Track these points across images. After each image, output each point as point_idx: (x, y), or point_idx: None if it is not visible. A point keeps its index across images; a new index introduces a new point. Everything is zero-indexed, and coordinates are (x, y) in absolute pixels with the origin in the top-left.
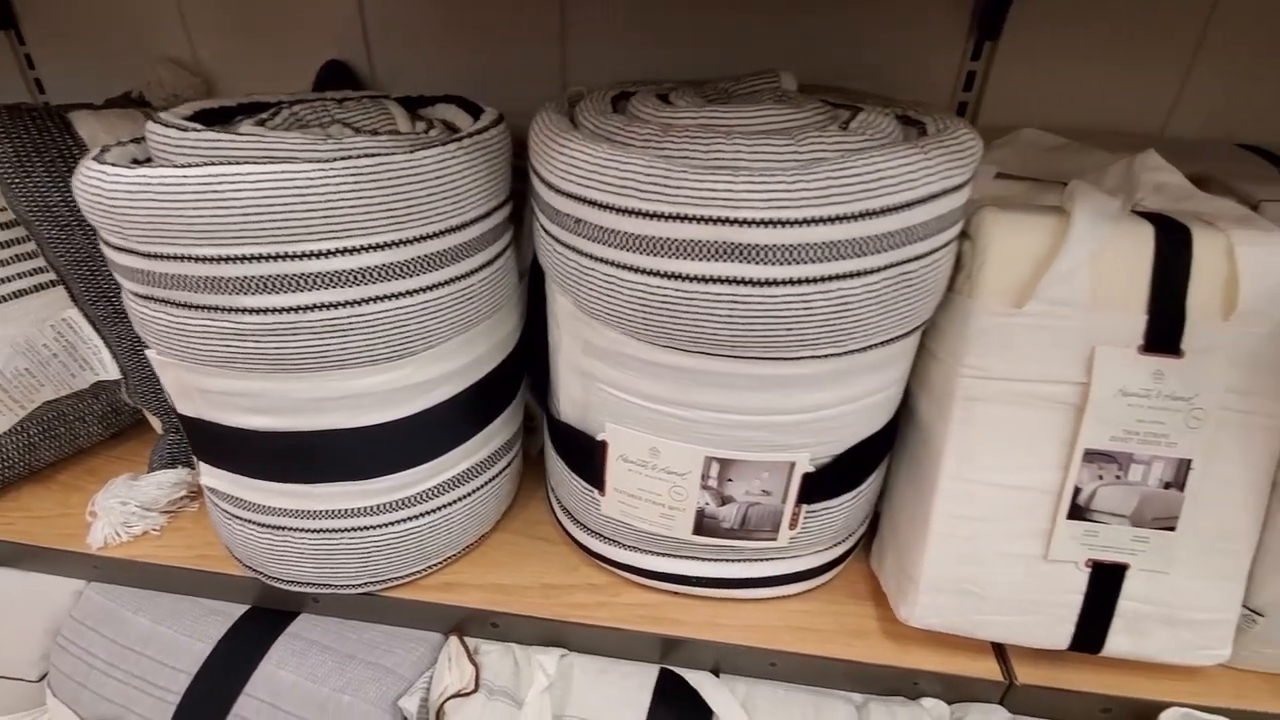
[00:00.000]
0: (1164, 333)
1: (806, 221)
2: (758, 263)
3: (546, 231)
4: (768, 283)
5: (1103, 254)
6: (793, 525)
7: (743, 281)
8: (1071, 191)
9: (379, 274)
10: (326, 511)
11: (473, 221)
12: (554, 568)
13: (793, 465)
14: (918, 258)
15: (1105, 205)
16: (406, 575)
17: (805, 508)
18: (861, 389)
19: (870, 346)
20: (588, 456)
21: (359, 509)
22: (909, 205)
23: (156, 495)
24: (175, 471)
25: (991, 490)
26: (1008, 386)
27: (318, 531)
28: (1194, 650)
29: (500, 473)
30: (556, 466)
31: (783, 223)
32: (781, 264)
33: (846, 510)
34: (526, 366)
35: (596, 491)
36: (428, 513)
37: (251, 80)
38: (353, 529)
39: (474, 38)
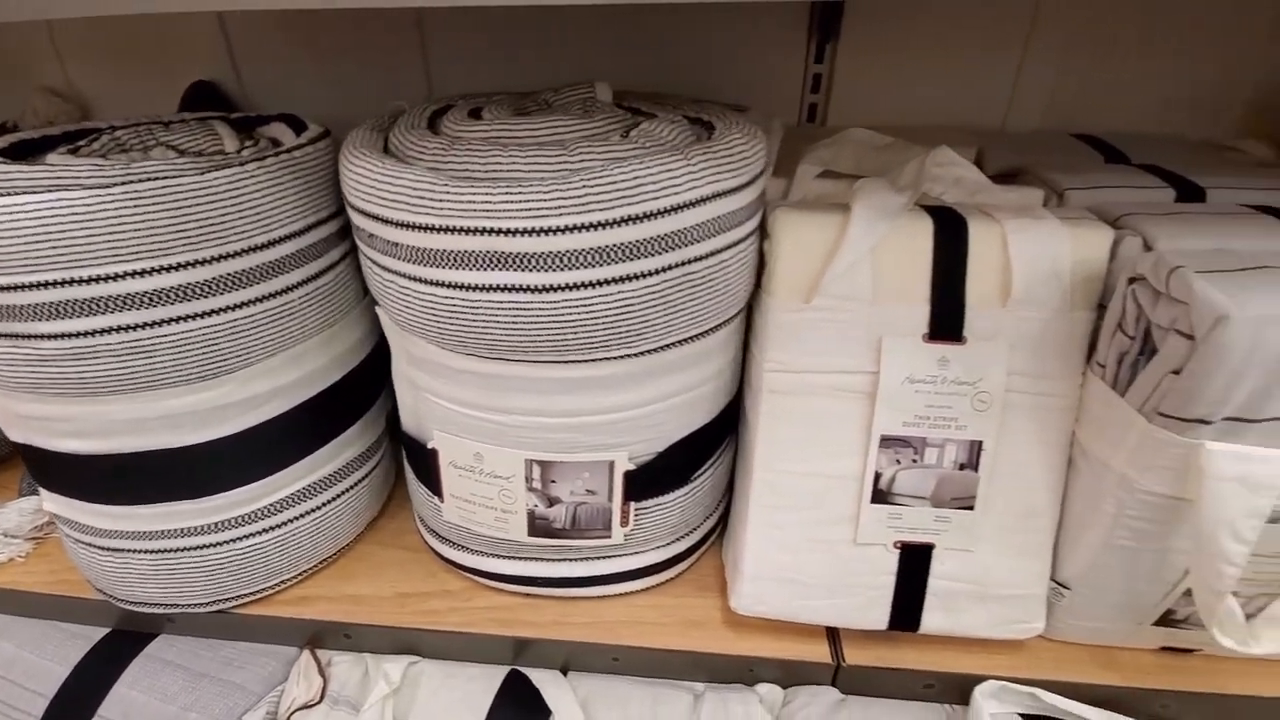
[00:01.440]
0: (946, 321)
1: (568, 229)
2: (530, 270)
3: (358, 246)
4: (544, 289)
5: (884, 248)
6: (624, 522)
7: (520, 289)
8: (856, 189)
9: (178, 294)
10: (162, 532)
11: (285, 239)
12: (412, 576)
13: (612, 464)
14: (700, 259)
15: (885, 201)
16: (258, 591)
17: (635, 505)
18: (671, 387)
19: (667, 346)
20: (425, 464)
21: (196, 528)
22: (676, 209)
23: (19, 522)
24: (37, 498)
25: (801, 479)
26: (806, 379)
27: (157, 552)
28: (1008, 625)
29: (357, 484)
30: (409, 475)
31: (544, 231)
32: (553, 270)
33: (682, 505)
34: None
35: (437, 498)
36: (273, 528)
37: (125, 103)
38: (192, 548)
39: (338, 56)
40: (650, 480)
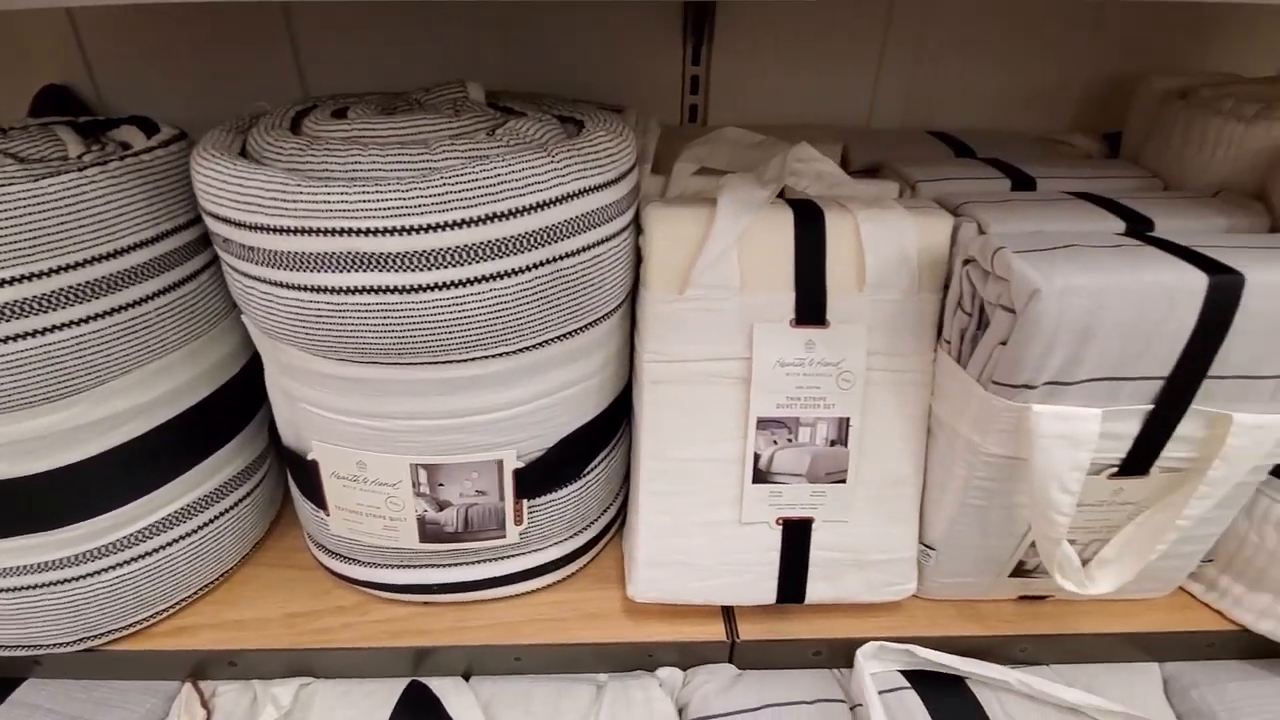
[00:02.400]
0: (810, 306)
1: (430, 228)
2: (395, 271)
3: (218, 253)
4: (411, 289)
5: (750, 239)
6: (518, 521)
7: (386, 290)
8: (721, 184)
9: (10, 311)
10: (18, 568)
11: (134, 248)
12: (302, 595)
13: (501, 463)
14: (570, 255)
15: (749, 195)
16: (131, 625)
17: (528, 502)
18: (555, 383)
19: (546, 342)
20: (307, 477)
21: (55, 561)
22: (542, 206)
23: None
24: None
25: (687, 465)
26: (685, 367)
27: (14, 590)
28: (884, 588)
29: (238, 504)
30: (294, 490)
31: (406, 230)
32: (418, 270)
33: (577, 499)
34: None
35: (323, 512)
36: (143, 556)
37: None
38: (53, 583)
39: (202, 56)
40: (542, 477)
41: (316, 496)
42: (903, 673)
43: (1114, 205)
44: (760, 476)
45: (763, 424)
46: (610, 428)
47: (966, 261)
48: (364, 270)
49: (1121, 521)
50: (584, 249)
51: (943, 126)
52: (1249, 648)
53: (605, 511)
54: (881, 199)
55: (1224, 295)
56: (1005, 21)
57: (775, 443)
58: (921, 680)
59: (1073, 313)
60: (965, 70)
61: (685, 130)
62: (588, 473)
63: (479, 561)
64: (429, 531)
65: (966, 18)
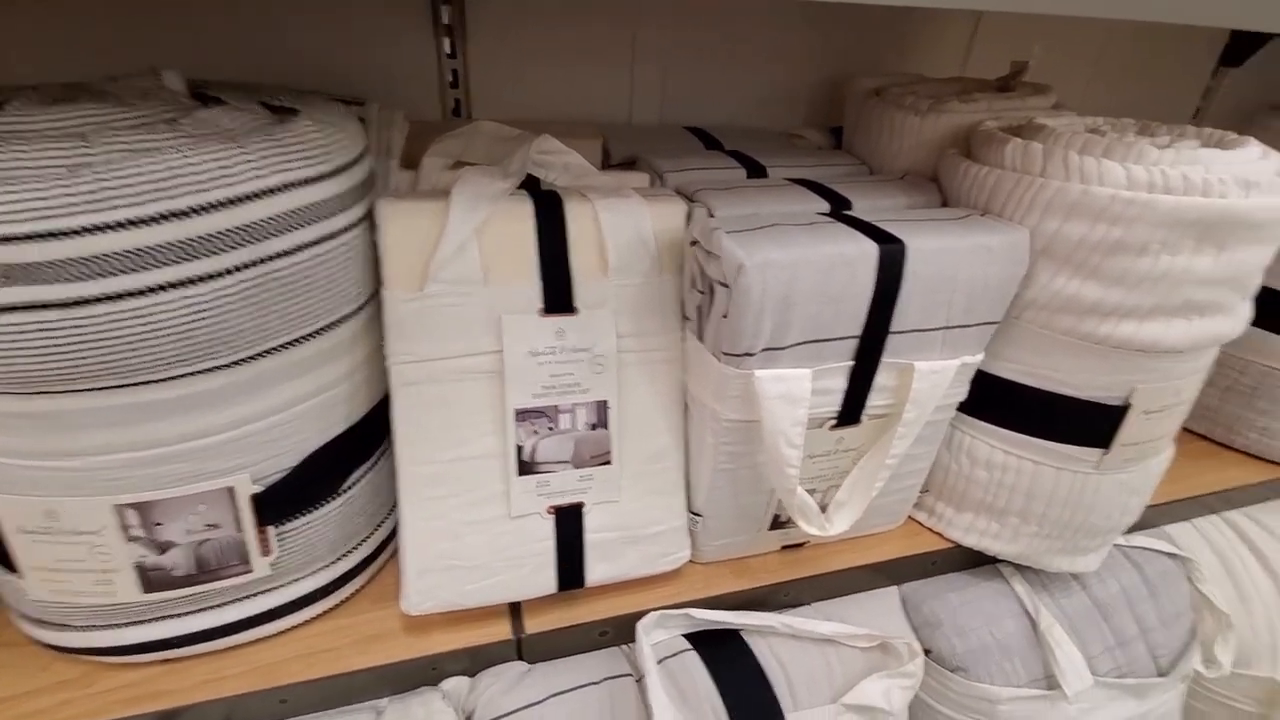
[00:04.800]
0: (557, 295)
1: (82, 230)
2: (47, 283)
3: None
4: (72, 303)
5: (490, 231)
6: (266, 551)
7: (40, 306)
8: (456, 177)
9: None
10: None
11: None
12: (15, 676)
13: (232, 490)
14: (282, 255)
15: (485, 187)
16: None
17: (275, 529)
18: (288, 396)
19: (267, 352)
20: None
21: None
22: (235, 202)
23: None
24: None
25: (449, 466)
26: (436, 366)
27: None
28: (660, 559)
29: None
30: None
31: (49, 234)
32: (77, 280)
33: (339, 519)
34: None
35: (15, 576)
36: None
37: None
38: None
39: None
40: (288, 499)
41: (4, 559)
42: (686, 636)
43: (823, 189)
44: (526, 468)
45: (522, 415)
46: (370, 437)
47: (693, 243)
48: (10, 284)
49: (848, 467)
50: (299, 248)
51: (699, 122)
52: (962, 560)
53: (380, 526)
54: (621, 188)
55: (892, 261)
56: (742, 29)
57: (537, 433)
58: (702, 640)
59: (773, 284)
60: (711, 70)
61: (446, 126)
62: (348, 488)
63: (225, 604)
64: (153, 580)
65: (706, 23)
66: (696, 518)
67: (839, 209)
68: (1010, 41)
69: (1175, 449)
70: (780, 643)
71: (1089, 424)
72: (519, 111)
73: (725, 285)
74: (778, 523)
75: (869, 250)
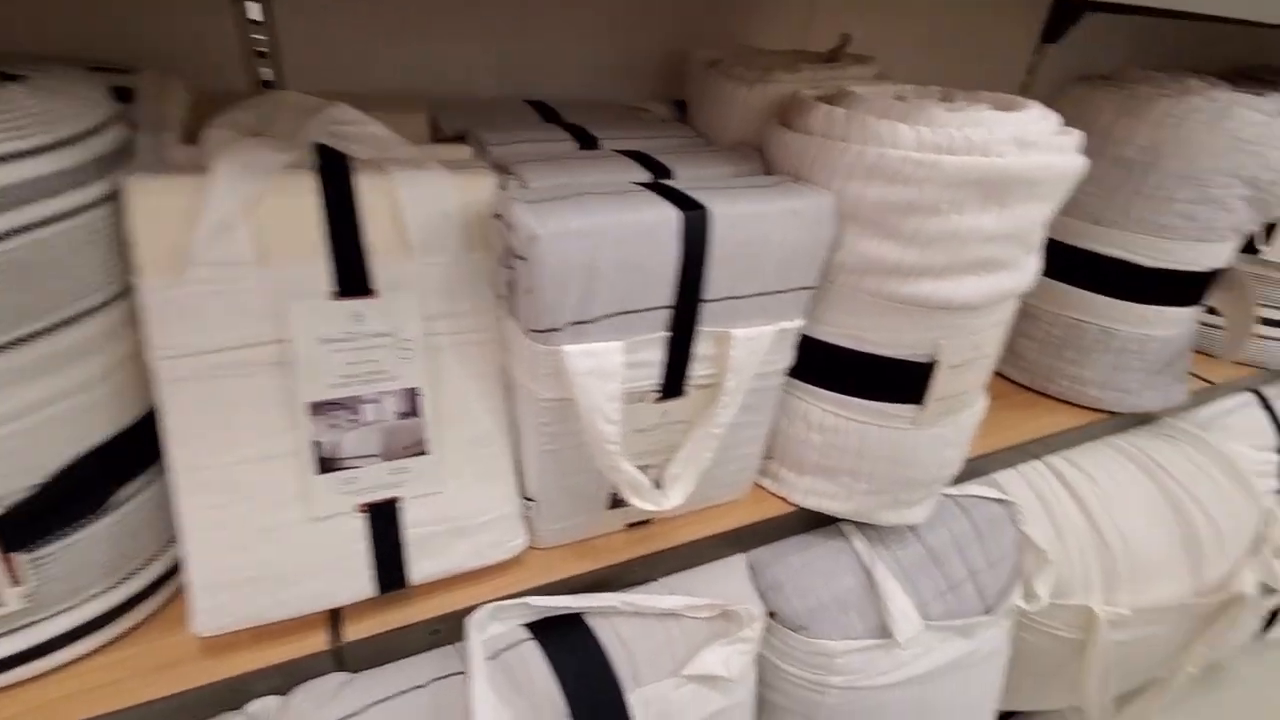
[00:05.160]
0: (351, 276)
1: None
2: None
3: None
4: None
5: (265, 207)
6: (15, 581)
7: None
8: (219, 148)
9: None
10: None
11: None
12: None
13: None
14: None
15: (254, 159)
16: None
17: (25, 555)
18: (21, 402)
19: None
20: None
21: None
22: None
23: None
24: None
25: (233, 469)
26: (207, 360)
27: None
28: (492, 550)
29: None
30: None
31: None
32: None
33: (112, 538)
34: None
35: None
36: None
37: None
38: None
39: None
40: (38, 519)
41: None
42: (529, 625)
43: (650, 160)
44: (328, 465)
45: (318, 409)
46: (144, 446)
47: (497, 216)
48: None
49: (679, 439)
50: (11, 232)
51: (542, 96)
52: (803, 522)
53: (172, 544)
54: (425, 160)
55: (696, 227)
56: None
57: (337, 426)
58: (544, 628)
59: (572, 254)
60: (553, 40)
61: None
62: (118, 504)
63: None
64: None
65: None
66: (530, 503)
67: (658, 179)
68: (850, 15)
69: (986, 401)
70: (624, 622)
71: (902, 381)
72: (342, 85)
73: (523, 258)
74: (618, 501)
75: (670, 216)
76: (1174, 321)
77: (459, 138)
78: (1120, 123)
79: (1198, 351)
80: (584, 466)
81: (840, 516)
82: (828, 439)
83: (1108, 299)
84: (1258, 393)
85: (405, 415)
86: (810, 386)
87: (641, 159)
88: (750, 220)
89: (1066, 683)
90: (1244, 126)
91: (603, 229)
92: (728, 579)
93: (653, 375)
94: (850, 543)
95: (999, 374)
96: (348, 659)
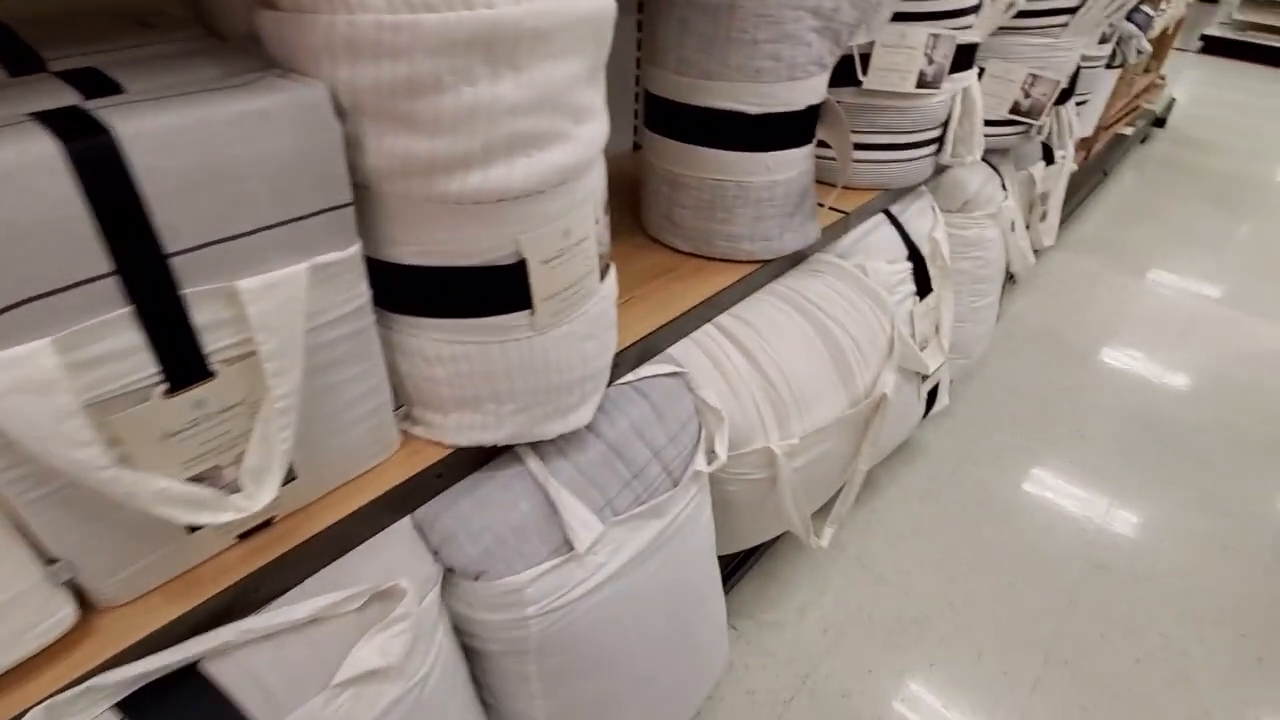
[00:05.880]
0: None
1: None
2: None
3: None
4: None
5: None
6: None
7: None
8: None
9: None
10: None
11: None
12: None
13: None
14: None
15: None
16: None
17: None
18: None
19: None
20: None
21: None
22: None
23: None
24: None
25: None
26: None
27: None
28: (26, 641)
29: None
30: None
31: None
32: None
33: None
34: None
35: None
36: None
37: None
38: None
39: None
40: None
41: None
42: (121, 705)
43: (94, 78)
44: None
45: None
46: None
47: None
48: None
49: (246, 426)
50: None
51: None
52: (467, 462)
53: None
54: None
55: (94, 159)
56: None
57: None
58: (145, 700)
59: None
60: None
61: None
62: None
63: None
64: None
65: None
66: (57, 564)
67: (92, 98)
68: None
69: (613, 285)
70: (250, 653)
71: (500, 290)
72: None
73: None
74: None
75: (45, 153)
76: (792, 164)
77: None
78: None
79: (831, 184)
80: (98, 500)
81: (501, 444)
82: (452, 370)
83: (734, 154)
84: (886, 212)
85: None
86: (411, 318)
87: (86, 78)
88: (190, 136)
89: (770, 515)
90: None
91: None
92: (390, 551)
93: (141, 366)
94: (526, 465)
95: (667, 245)
96: None
